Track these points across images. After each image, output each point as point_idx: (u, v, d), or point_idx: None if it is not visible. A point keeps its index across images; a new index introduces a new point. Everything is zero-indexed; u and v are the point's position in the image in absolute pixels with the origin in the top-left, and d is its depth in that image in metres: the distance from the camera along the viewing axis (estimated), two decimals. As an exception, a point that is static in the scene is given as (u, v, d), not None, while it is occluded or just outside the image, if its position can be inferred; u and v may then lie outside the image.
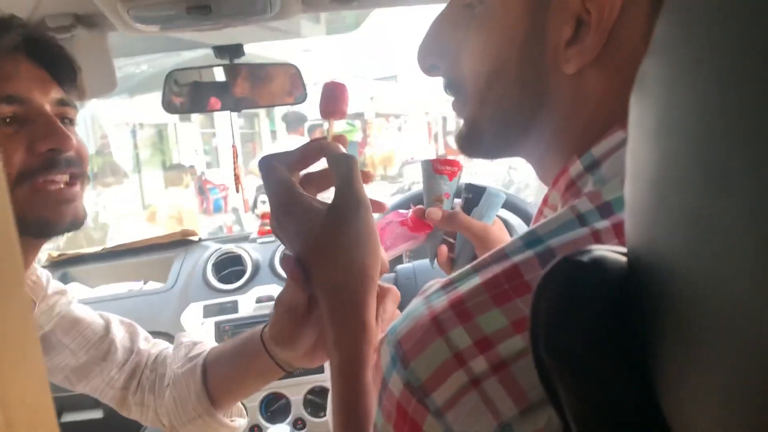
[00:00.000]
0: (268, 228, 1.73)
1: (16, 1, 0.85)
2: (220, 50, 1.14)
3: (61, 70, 0.78)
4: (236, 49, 1.14)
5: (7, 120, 0.71)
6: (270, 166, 0.55)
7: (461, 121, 0.49)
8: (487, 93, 0.44)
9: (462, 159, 0.72)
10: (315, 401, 1.47)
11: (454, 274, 0.37)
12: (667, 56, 0.20)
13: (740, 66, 0.15)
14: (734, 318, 0.16)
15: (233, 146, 1.22)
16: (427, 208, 0.80)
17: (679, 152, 0.19)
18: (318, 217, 0.51)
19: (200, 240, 1.76)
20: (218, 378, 0.83)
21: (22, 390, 0.17)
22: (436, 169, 0.79)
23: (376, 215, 0.56)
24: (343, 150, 0.58)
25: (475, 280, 0.35)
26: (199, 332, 1.45)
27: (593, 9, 0.36)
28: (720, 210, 0.16)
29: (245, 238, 1.77)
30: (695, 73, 0.18)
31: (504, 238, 0.77)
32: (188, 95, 1.15)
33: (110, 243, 1.82)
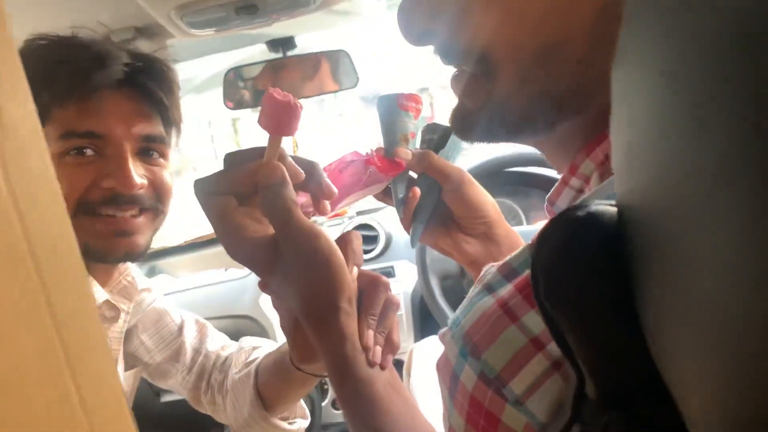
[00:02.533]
0: (336, 212, 1.79)
1: (82, 19, 0.92)
2: (273, 44, 1.18)
3: (160, 104, 0.79)
4: (288, 42, 1.18)
5: (84, 151, 0.73)
6: (207, 195, 0.49)
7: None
8: (534, 70, 0.36)
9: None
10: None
11: (510, 256, 0.35)
12: (637, 25, 0.21)
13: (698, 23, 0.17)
14: (705, 265, 0.17)
15: (293, 140, 1.27)
16: (393, 148, 0.68)
17: (651, 109, 0.20)
18: (268, 249, 0.48)
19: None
20: (266, 386, 0.88)
21: (100, 399, 0.21)
22: (401, 104, 0.69)
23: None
24: (278, 175, 0.48)
25: None
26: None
27: None
28: (690, 161, 0.18)
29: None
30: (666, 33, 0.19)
31: (478, 187, 0.68)
32: (245, 91, 1.21)
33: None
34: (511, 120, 0.40)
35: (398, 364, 1.48)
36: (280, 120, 0.48)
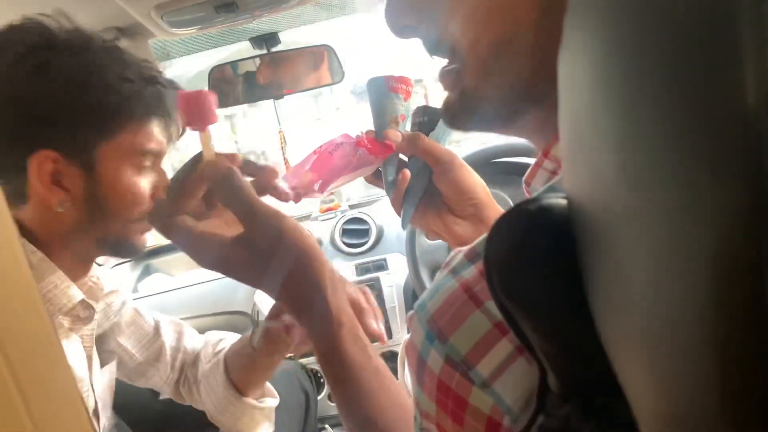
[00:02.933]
0: (329, 206, 1.79)
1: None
2: (256, 41, 1.18)
3: (172, 113, 0.85)
4: (271, 38, 1.18)
5: (145, 166, 0.81)
6: (165, 222, 0.51)
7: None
8: (493, 63, 0.38)
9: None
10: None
11: (476, 241, 0.36)
12: (580, 15, 0.21)
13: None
14: (631, 261, 0.18)
15: (280, 131, 1.27)
16: (383, 130, 0.69)
17: (590, 102, 0.20)
18: (236, 247, 0.50)
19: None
20: (234, 372, 0.97)
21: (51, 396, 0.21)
22: (391, 86, 0.68)
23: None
24: (222, 167, 0.51)
25: None
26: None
27: None
28: (621, 156, 0.18)
29: (307, 217, 1.84)
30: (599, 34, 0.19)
31: (468, 170, 0.69)
32: (230, 88, 1.21)
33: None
34: (482, 110, 0.42)
35: (393, 356, 1.49)
36: (199, 112, 0.50)
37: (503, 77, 0.39)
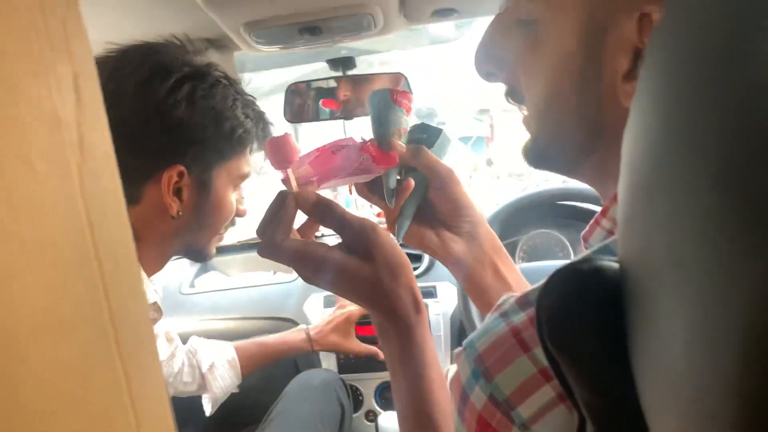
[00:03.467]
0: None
1: (162, 30, 0.98)
2: (333, 63, 1.23)
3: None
4: (348, 61, 1.22)
5: (240, 185, 0.97)
6: (273, 249, 0.57)
7: None
8: (546, 113, 0.44)
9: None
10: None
11: (528, 290, 0.38)
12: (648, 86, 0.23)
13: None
14: (669, 328, 0.19)
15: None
16: (387, 140, 0.68)
17: (646, 173, 0.22)
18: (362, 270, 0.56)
19: (322, 236, 1.88)
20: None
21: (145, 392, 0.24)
22: (395, 99, 0.68)
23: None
24: (311, 193, 0.59)
25: None
26: (320, 320, 1.58)
27: None
28: (669, 228, 0.20)
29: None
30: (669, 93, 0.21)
31: (463, 187, 0.71)
32: (304, 105, 1.26)
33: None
34: (543, 154, 0.47)
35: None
36: (282, 156, 0.59)
37: (555, 127, 0.44)
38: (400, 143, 0.68)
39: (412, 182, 0.69)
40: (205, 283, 1.83)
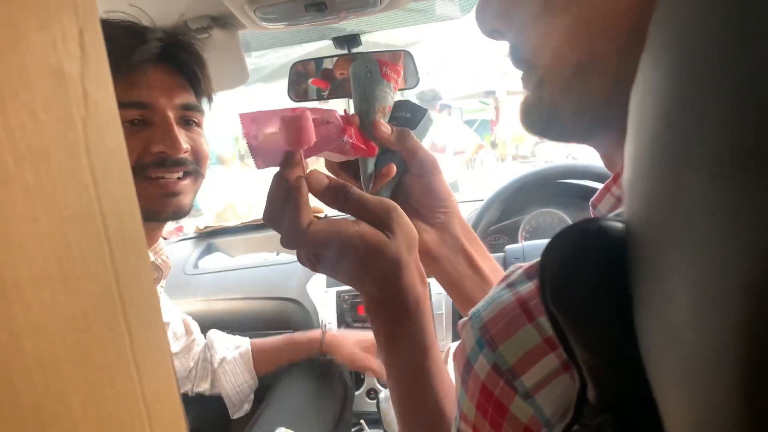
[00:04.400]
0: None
1: (165, 7, 0.98)
2: (338, 41, 1.22)
3: (194, 76, 0.91)
4: (353, 39, 1.21)
5: (134, 121, 0.84)
6: (303, 237, 0.52)
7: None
8: (573, 81, 0.39)
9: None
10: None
11: (537, 260, 0.37)
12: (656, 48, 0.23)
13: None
14: (675, 284, 0.19)
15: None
16: (370, 120, 0.63)
17: (649, 135, 0.22)
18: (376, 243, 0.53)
19: (326, 216, 1.88)
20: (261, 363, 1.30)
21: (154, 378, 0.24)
22: (384, 73, 0.62)
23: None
24: (321, 174, 0.55)
25: None
26: (323, 300, 1.58)
27: None
28: (671, 187, 0.19)
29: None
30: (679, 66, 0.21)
31: (443, 177, 0.67)
32: (308, 84, 1.25)
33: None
34: (559, 122, 0.43)
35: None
36: (295, 137, 0.53)
37: (582, 96, 0.40)
38: (387, 124, 0.64)
39: (394, 169, 0.65)
40: (210, 263, 1.84)
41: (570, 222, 1.44)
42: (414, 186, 0.67)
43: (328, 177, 0.55)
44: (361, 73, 0.63)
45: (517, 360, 0.34)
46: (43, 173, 0.19)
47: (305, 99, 1.27)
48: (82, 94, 0.22)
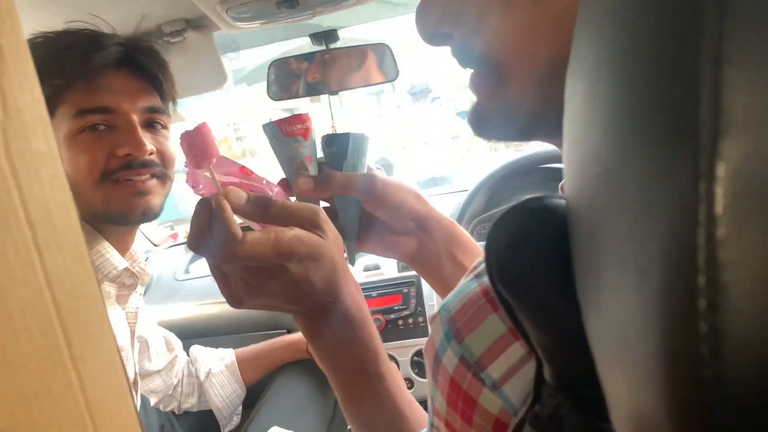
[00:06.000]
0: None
1: (136, 12, 0.97)
2: (315, 37, 1.21)
3: (156, 80, 0.91)
4: (330, 35, 1.21)
5: (98, 127, 0.84)
6: (244, 250, 0.48)
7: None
8: (548, 76, 0.35)
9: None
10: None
11: None
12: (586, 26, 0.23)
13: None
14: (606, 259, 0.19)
15: (332, 126, 1.30)
16: (293, 180, 0.64)
17: (580, 112, 0.22)
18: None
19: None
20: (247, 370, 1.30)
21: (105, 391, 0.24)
22: (285, 131, 0.62)
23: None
24: (239, 191, 0.51)
25: None
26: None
27: None
28: (603, 164, 0.19)
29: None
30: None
31: (394, 184, 0.66)
32: (288, 83, 1.24)
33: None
34: (524, 121, 0.39)
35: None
36: (199, 151, 0.50)
37: (556, 92, 0.35)
38: (308, 180, 0.63)
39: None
40: (200, 268, 1.83)
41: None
42: (372, 209, 0.67)
43: (245, 192, 0.52)
44: (269, 139, 0.64)
45: (483, 352, 0.34)
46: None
47: (288, 97, 1.26)
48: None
